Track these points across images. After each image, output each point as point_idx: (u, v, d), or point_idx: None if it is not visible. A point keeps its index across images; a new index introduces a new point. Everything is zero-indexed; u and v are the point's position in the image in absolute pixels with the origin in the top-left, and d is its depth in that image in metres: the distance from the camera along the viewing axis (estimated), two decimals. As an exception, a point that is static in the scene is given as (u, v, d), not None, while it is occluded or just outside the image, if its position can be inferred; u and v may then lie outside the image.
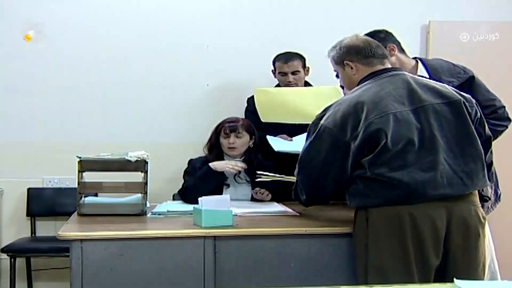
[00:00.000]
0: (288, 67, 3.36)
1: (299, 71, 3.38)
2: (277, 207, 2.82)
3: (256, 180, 2.77)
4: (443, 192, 2.06)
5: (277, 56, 3.44)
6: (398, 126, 2.06)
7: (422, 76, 2.60)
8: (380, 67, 2.24)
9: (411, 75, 2.27)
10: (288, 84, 3.38)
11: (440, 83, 2.29)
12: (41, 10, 3.76)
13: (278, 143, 3.15)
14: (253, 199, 3.07)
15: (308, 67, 3.46)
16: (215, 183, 2.94)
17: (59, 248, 3.27)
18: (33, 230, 3.76)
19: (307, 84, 3.49)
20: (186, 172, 3.08)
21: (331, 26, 3.94)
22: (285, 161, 2.92)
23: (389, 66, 2.28)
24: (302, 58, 3.43)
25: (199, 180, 2.92)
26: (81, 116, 3.79)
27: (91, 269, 2.20)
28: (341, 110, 2.12)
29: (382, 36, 2.70)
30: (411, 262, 2.04)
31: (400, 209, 2.06)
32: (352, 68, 2.26)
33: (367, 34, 2.69)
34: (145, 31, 3.82)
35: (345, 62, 2.28)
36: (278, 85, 3.50)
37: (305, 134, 3.21)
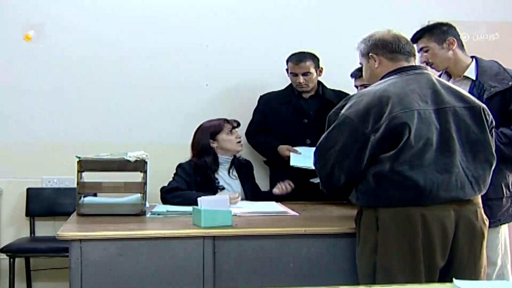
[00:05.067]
0: (300, 68, 3.35)
1: (310, 72, 3.36)
2: (276, 207, 2.82)
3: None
4: (455, 195, 2.07)
5: (291, 55, 3.41)
6: (420, 124, 2.05)
7: (467, 77, 2.62)
8: (405, 63, 2.22)
9: (436, 76, 2.26)
10: (299, 85, 3.38)
11: (461, 89, 2.29)
12: (41, 10, 3.75)
13: (295, 158, 3.21)
14: (247, 197, 3.10)
15: (322, 68, 3.43)
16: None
17: (58, 248, 3.26)
18: (32, 230, 3.75)
19: (320, 84, 3.49)
20: (176, 175, 3.08)
21: (331, 26, 3.95)
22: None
23: (414, 64, 2.27)
24: (315, 59, 3.40)
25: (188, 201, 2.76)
26: (80, 116, 3.78)
27: (90, 269, 2.20)
28: (365, 101, 2.09)
29: (444, 29, 2.69)
30: (420, 263, 2.04)
31: (411, 210, 2.05)
32: (375, 61, 2.25)
33: (430, 25, 2.72)
34: (144, 31, 3.81)
35: (370, 54, 2.27)
36: (290, 85, 3.48)
37: (312, 148, 3.27)
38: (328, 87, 3.54)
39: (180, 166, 3.11)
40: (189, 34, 3.85)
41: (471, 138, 2.13)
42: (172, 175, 3.10)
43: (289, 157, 3.22)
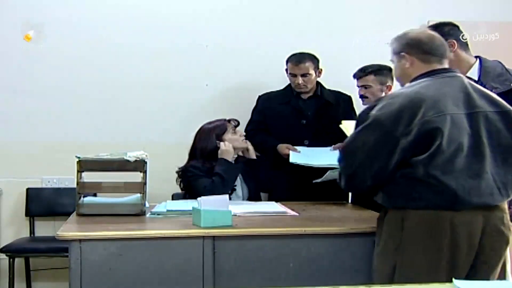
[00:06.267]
0: (299, 69, 3.34)
1: (309, 74, 3.35)
2: (276, 207, 2.82)
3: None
4: (485, 200, 2.05)
5: (290, 56, 3.41)
6: (452, 128, 2.03)
7: (469, 78, 2.58)
8: (437, 66, 2.19)
9: (468, 79, 2.24)
10: (298, 86, 3.37)
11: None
12: (41, 10, 3.75)
13: (294, 156, 3.22)
14: (250, 198, 3.09)
15: (321, 69, 3.42)
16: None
17: (58, 248, 3.27)
18: (32, 230, 3.76)
19: (319, 85, 3.48)
20: (197, 175, 3.03)
21: (330, 25, 3.95)
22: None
23: (447, 66, 2.23)
24: (314, 60, 3.39)
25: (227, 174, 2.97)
26: (80, 116, 3.79)
27: (90, 269, 2.20)
28: (397, 103, 2.06)
29: (445, 30, 2.63)
30: (443, 267, 2.03)
31: (441, 214, 2.03)
32: (407, 60, 2.22)
33: (432, 26, 2.68)
34: (144, 31, 3.81)
35: (402, 53, 2.23)
36: (289, 85, 3.48)
37: (311, 148, 3.27)
38: (327, 87, 3.53)
39: (193, 167, 3.06)
40: (189, 34, 3.85)
41: (501, 143, 2.10)
42: (185, 180, 3.07)
43: (288, 155, 3.22)
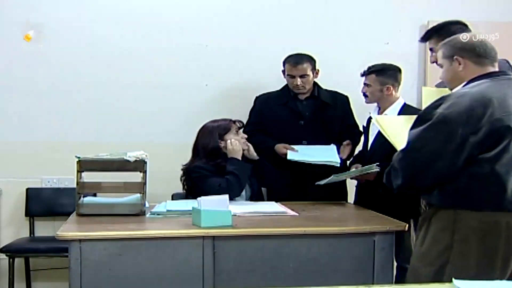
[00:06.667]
0: (297, 70, 3.33)
1: (307, 75, 3.34)
2: (276, 207, 2.82)
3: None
4: None
5: (288, 57, 3.40)
6: None
7: None
8: (491, 69, 2.21)
9: None
10: (296, 87, 3.37)
11: None
12: (41, 10, 3.75)
13: (291, 153, 3.24)
14: (252, 198, 3.09)
15: (318, 70, 3.42)
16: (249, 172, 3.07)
17: (58, 248, 3.26)
18: (31, 230, 3.75)
19: (316, 85, 3.48)
20: (205, 175, 3.00)
21: (330, 26, 3.95)
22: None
23: (497, 69, 2.24)
24: (312, 61, 3.38)
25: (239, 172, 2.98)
26: (80, 116, 3.78)
27: (90, 269, 2.20)
28: (466, 102, 2.06)
29: (452, 30, 2.64)
30: (495, 268, 2.01)
31: (498, 215, 2.02)
32: (460, 64, 2.22)
33: (438, 27, 2.71)
34: (144, 31, 3.81)
35: (455, 57, 2.23)
36: (286, 86, 3.48)
37: (309, 146, 3.27)
38: (327, 87, 3.53)
39: (198, 167, 3.03)
40: (189, 34, 3.85)
41: None
42: (189, 180, 3.05)
43: (286, 154, 3.23)
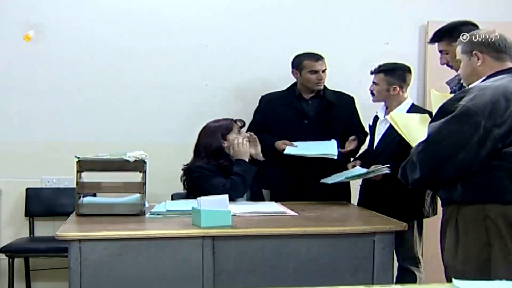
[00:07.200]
0: (320, 65, 3.35)
1: (326, 69, 3.38)
2: (276, 207, 2.82)
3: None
4: None
5: (304, 55, 3.40)
6: None
7: None
8: (511, 64, 2.21)
9: None
10: (319, 82, 3.37)
11: None
12: (41, 10, 3.75)
13: (289, 148, 3.26)
14: (252, 198, 3.09)
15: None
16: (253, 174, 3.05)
17: (58, 248, 3.26)
18: (31, 230, 3.75)
19: None
20: (207, 175, 2.99)
21: (330, 26, 3.95)
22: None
23: None
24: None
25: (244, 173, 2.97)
26: (80, 116, 3.78)
27: (89, 269, 2.20)
28: (489, 94, 2.05)
29: (465, 32, 2.62)
30: None
31: None
32: (479, 59, 2.22)
33: (448, 28, 2.72)
34: (144, 31, 3.81)
35: (474, 52, 2.23)
36: (292, 85, 3.46)
37: (308, 142, 3.27)
38: (328, 87, 3.53)
39: (199, 168, 3.02)
40: (189, 34, 3.85)
41: None
42: (190, 180, 3.05)
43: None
